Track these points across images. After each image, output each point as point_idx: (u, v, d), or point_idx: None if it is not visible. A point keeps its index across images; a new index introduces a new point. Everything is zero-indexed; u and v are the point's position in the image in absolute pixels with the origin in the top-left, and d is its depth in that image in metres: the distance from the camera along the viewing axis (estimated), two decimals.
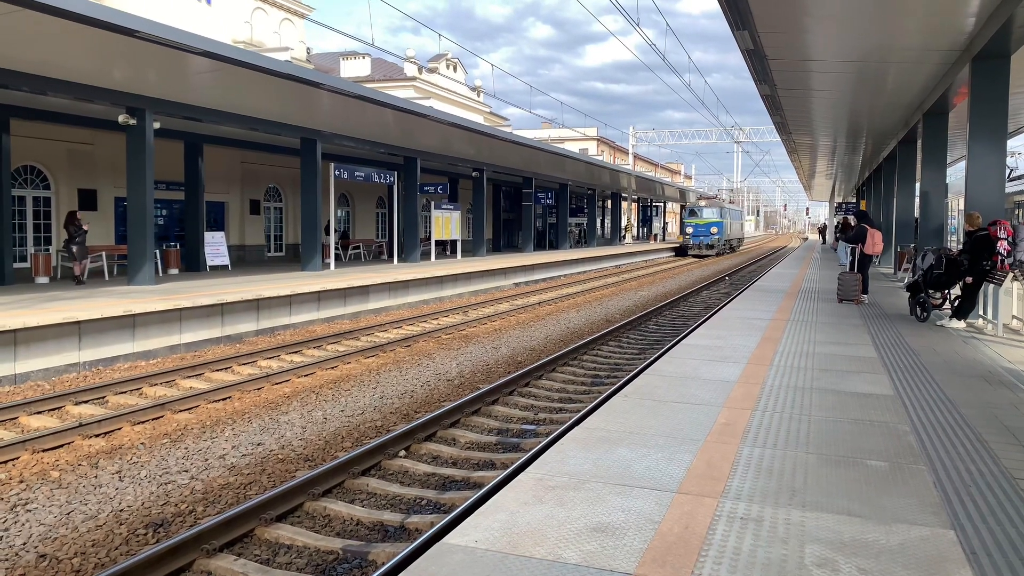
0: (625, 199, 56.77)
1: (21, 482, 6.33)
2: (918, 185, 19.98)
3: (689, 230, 47.38)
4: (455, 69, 50.27)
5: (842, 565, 3.29)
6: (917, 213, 19.58)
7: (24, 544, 5.24)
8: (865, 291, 14.59)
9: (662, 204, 68.41)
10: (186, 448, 7.28)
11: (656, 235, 63.67)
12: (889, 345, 9.41)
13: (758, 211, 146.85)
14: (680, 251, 48.81)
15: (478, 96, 52.42)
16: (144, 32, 11.42)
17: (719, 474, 4.46)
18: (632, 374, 9.97)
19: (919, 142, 18.86)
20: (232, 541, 5.29)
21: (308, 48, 37.90)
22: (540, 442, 7.27)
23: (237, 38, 30.12)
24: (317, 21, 24.95)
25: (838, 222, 30.52)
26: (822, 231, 67.01)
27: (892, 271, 23.06)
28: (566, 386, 10.32)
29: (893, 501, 4.06)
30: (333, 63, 45.13)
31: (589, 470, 4.53)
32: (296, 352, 12.37)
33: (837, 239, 29.80)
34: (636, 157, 70.92)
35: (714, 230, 46.41)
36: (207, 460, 6.98)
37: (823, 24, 11.56)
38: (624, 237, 56.83)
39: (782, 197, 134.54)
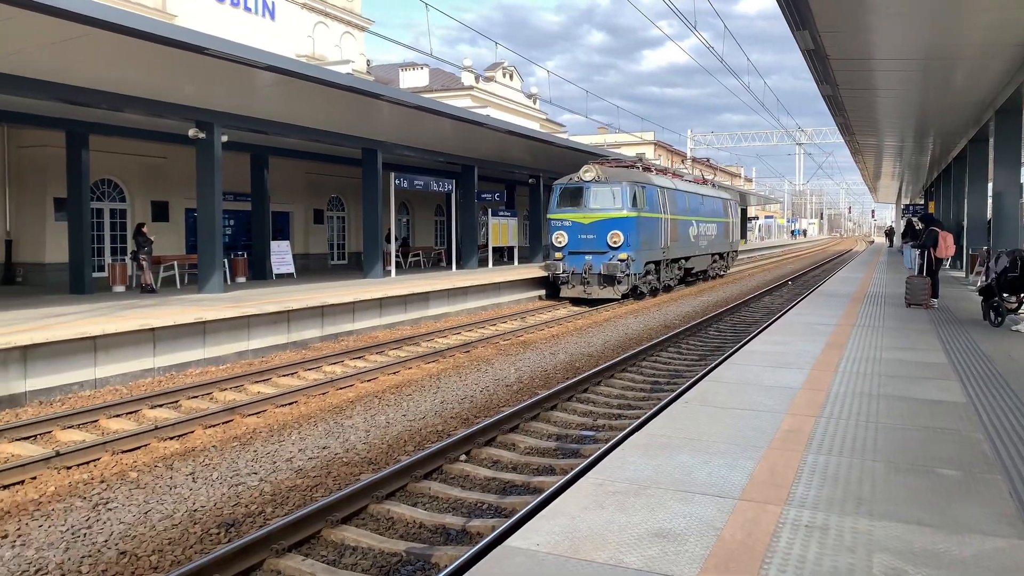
0: None
1: (102, 482, 6.63)
2: (991, 185, 19.24)
3: (560, 238, 20.81)
4: (511, 77, 50.56)
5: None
6: (990, 214, 18.86)
7: (106, 541, 5.49)
8: (935, 295, 14.12)
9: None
10: (255, 451, 7.52)
11: None
12: (961, 350, 9.10)
13: (821, 214, 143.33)
14: (551, 287, 21.87)
15: (534, 103, 52.58)
16: (213, 49, 11.84)
17: (783, 481, 4.41)
18: (692, 380, 9.87)
19: (991, 140, 18.18)
20: (300, 542, 5.45)
21: (368, 60, 38.64)
22: (599, 448, 7.27)
23: (300, 52, 30.92)
24: (377, 33, 25.52)
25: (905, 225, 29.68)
26: (889, 234, 64.99)
27: (964, 275, 22.24)
28: (625, 392, 10.28)
29: (966, 511, 3.95)
30: (392, 74, 45.92)
31: (650, 476, 4.53)
32: (359, 358, 12.62)
33: (905, 242, 28.89)
34: (694, 161, 70.05)
35: (615, 238, 20.18)
36: (275, 463, 7.20)
37: (887, 21, 11.27)
38: None
39: (846, 199, 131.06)
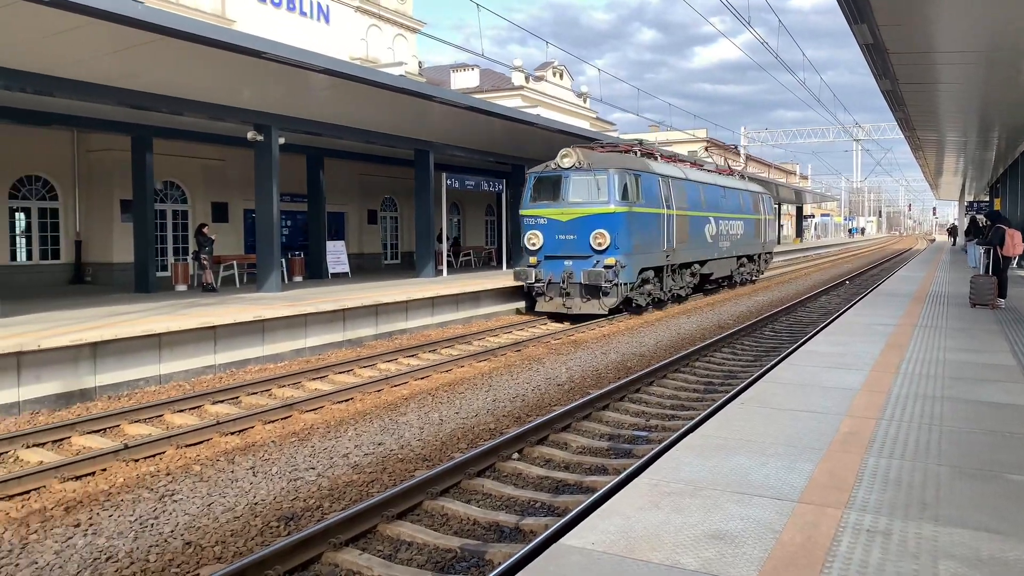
0: None
1: (168, 474, 6.86)
2: None
3: (534, 239, 17.08)
4: (561, 76, 50.49)
5: None
6: None
7: (172, 531, 5.68)
8: (1002, 295, 13.64)
9: (777, 206, 66.06)
10: (313, 447, 7.69)
11: None
12: None
13: (880, 212, 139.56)
14: (528, 297, 17.96)
15: (584, 102, 52.42)
16: (270, 53, 12.12)
17: (843, 484, 4.33)
18: (748, 381, 9.73)
19: None
20: (357, 536, 5.54)
21: (420, 62, 39.05)
22: (653, 448, 7.23)
23: (354, 55, 31.41)
24: (428, 34, 25.77)
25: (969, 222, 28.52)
26: (952, 232, 62.91)
27: None
28: (678, 393, 10.20)
29: None
30: (444, 76, 46.31)
31: (705, 477, 4.50)
32: (412, 356, 12.78)
33: (969, 240, 27.94)
34: (748, 158, 68.90)
35: (600, 239, 16.32)
36: (332, 458, 7.34)
37: (949, 13, 10.92)
38: None
39: (906, 197, 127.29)
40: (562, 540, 3.63)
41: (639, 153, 19.03)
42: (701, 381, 10.91)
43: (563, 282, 16.51)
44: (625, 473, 6.29)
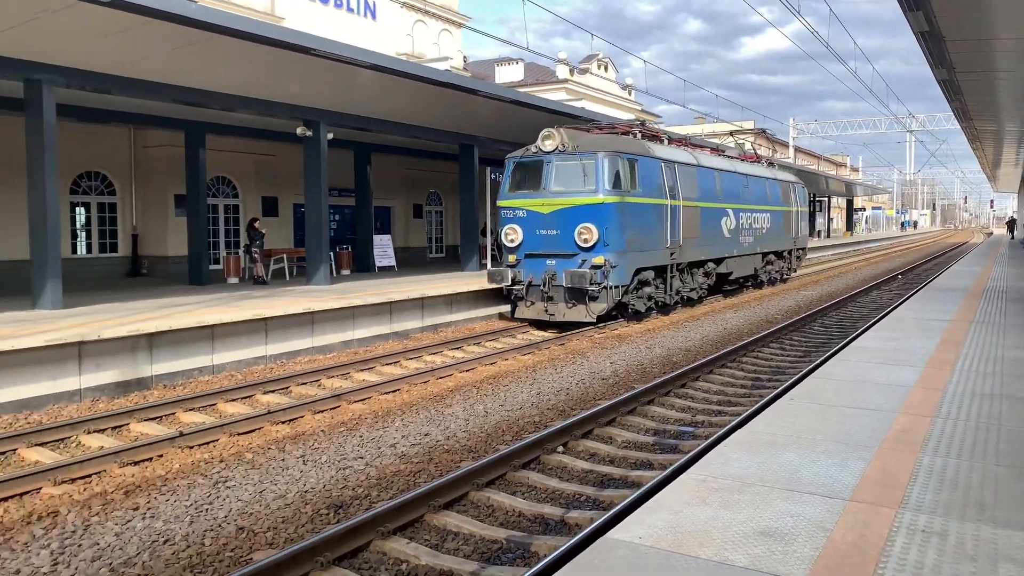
0: None
1: (221, 462, 7.04)
2: None
3: (511, 235, 14.90)
4: (606, 69, 50.15)
5: None
6: None
7: (225, 517, 5.84)
8: None
9: (826, 199, 64.77)
10: (361, 436, 7.81)
11: (820, 231, 60.41)
12: None
13: (933, 204, 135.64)
14: (511, 302, 15.55)
15: (629, 94, 51.99)
16: (319, 49, 12.30)
17: (896, 483, 4.25)
18: (797, 377, 9.59)
19: None
20: (404, 525, 5.62)
21: (465, 57, 39.19)
22: (699, 444, 7.18)
23: (400, 50, 31.65)
24: (474, 28, 25.85)
25: None
26: (1011, 225, 60.85)
27: None
28: (724, 388, 10.10)
29: None
30: (488, 70, 46.39)
31: (754, 473, 4.45)
32: (457, 348, 12.88)
33: None
34: (797, 150, 67.59)
35: (586, 234, 14.06)
36: (380, 448, 7.45)
37: None
38: None
39: (961, 189, 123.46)
40: (609, 534, 3.64)
41: (639, 134, 16.48)
42: (748, 376, 10.78)
43: (544, 284, 14.29)
44: (671, 468, 6.26)
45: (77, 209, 19.76)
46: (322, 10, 29.12)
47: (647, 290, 15.48)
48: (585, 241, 14.02)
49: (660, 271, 15.98)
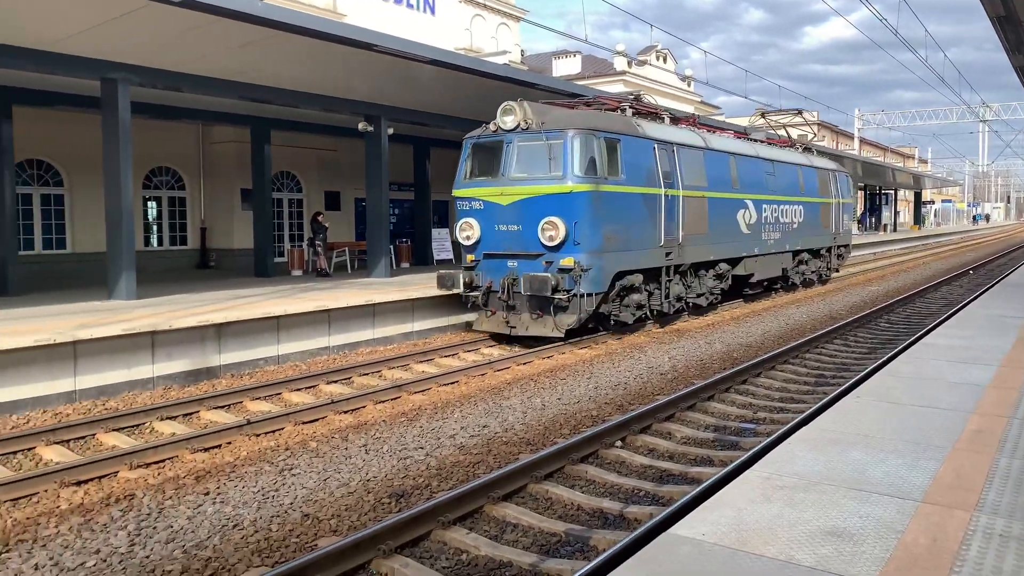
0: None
1: (287, 450, 7.23)
2: None
3: (467, 230, 12.58)
4: (665, 60, 49.50)
5: None
6: None
7: (291, 503, 6.00)
8: None
9: (893, 192, 62.74)
10: (421, 427, 7.92)
11: (886, 225, 58.57)
12: None
13: (1008, 197, 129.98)
14: (472, 308, 12.96)
15: (688, 85, 51.23)
16: (381, 45, 12.45)
17: (971, 485, 4.11)
18: (863, 374, 9.34)
19: None
20: (464, 515, 5.68)
21: (522, 51, 39.17)
22: (761, 441, 7.06)
23: (458, 45, 31.83)
24: (532, 21, 25.79)
25: None
26: None
27: None
28: (787, 385, 9.91)
29: None
30: (545, 63, 46.27)
31: (820, 472, 4.37)
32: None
33: None
34: (863, 142, 65.59)
35: (551, 231, 11.63)
36: (439, 439, 7.55)
37: None
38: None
39: None
40: (671, 530, 3.62)
41: (628, 110, 13.91)
42: (812, 373, 10.55)
43: (504, 291, 11.94)
44: (733, 465, 6.18)
45: (149, 203, 20.50)
46: (382, 6, 29.48)
47: (635, 297, 12.88)
48: (550, 239, 11.56)
49: (653, 274, 13.51)
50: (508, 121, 12.16)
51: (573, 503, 6.01)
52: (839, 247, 22.84)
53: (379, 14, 28.55)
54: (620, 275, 12.47)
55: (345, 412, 8.51)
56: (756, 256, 17.01)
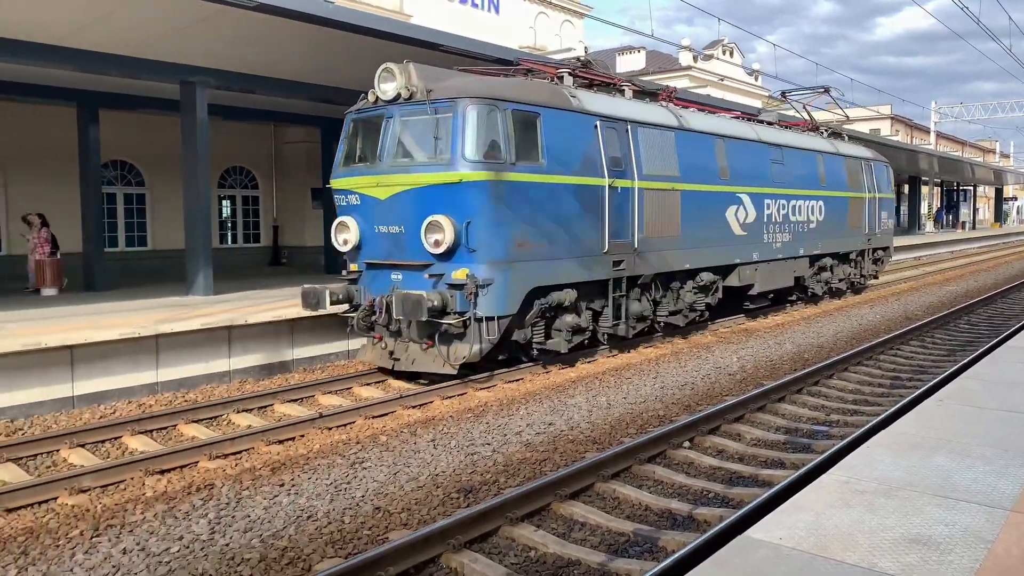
0: (926, 183, 50.84)
1: (357, 443, 7.39)
2: None
3: (343, 232, 9.82)
4: (731, 54, 48.61)
5: None
6: None
7: (363, 496, 6.12)
8: None
9: (972, 188, 60.19)
10: (487, 423, 7.99)
11: (964, 223, 56.26)
12: None
13: None
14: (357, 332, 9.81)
15: (756, 80, 50.16)
16: (446, 45, 12.56)
17: None
18: (942, 376, 9.01)
19: None
20: (531, 513, 5.71)
21: (586, 47, 39.02)
22: (835, 444, 6.88)
23: (522, 43, 31.90)
24: (596, 17, 25.66)
25: None
26: None
27: None
28: (861, 387, 9.63)
29: None
30: (609, 59, 45.95)
31: (901, 477, 4.24)
32: None
33: None
34: (939, 135, 63.10)
35: (436, 233, 8.84)
36: (505, 435, 7.60)
37: None
38: (924, 225, 50.98)
39: None
40: (747, 532, 3.57)
41: (573, 79, 11.15)
42: (887, 375, 10.23)
43: (382, 312, 9.21)
44: (807, 467, 6.04)
45: (224, 202, 21.18)
46: (447, 6, 29.77)
47: (568, 319, 10.15)
48: (435, 244, 8.86)
49: (599, 289, 10.77)
50: (387, 89, 9.33)
51: (641, 503, 5.97)
52: (875, 250, 19.48)
53: (444, 14, 28.83)
54: (540, 291, 9.70)
55: (413, 407, 8.64)
56: (755, 263, 14.04)
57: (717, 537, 4.80)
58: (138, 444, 7.43)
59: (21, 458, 6.99)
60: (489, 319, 9.01)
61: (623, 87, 12.20)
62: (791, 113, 19.25)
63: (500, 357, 9.98)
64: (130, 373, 9.03)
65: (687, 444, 7.31)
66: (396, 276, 9.48)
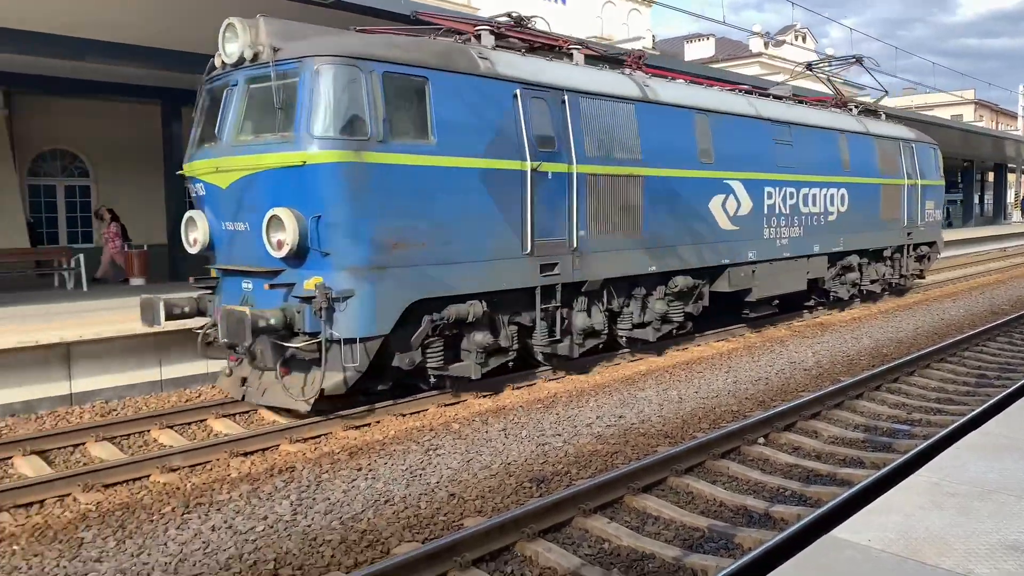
0: (1012, 171, 48.49)
1: (431, 430, 7.51)
2: None
3: (192, 231, 7.90)
4: (804, 40, 47.22)
5: None
6: None
7: (437, 483, 6.24)
8: None
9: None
10: (557, 414, 8.02)
11: None
12: None
13: None
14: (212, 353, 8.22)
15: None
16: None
17: None
18: None
19: None
20: (604, 505, 5.72)
21: (654, 36, 38.48)
22: (918, 443, 6.68)
23: (589, 33, 31.67)
24: (664, 4, 25.28)
25: None
26: None
27: None
28: (944, 385, 9.30)
29: None
30: (678, 47, 45.27)
31: (995, 480, 4.10)
32: None
33: None
34: None
35: (278, 232, 7.01)
36: (576, 427, 7.62)
37: None
38: (1010, 214, 48.64)
39: None
40: (833, 532, 3.50)
41: (494, 36, 9.25)
42: (972, 373, 9.85)
43: (229, 329, 7.09)
44: (891, 467, 5.87)
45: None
46: None
47: (479, 338, 8.20)
48: (278, 245, 7.08)
49: (528, 299, 8.75)
50: (230, 49, 7.53)
51: (715, 499, 5.92)
52: (920, 245, 16.79)
53: (511, 6, 28.85)
54: (431, 304, 7.77)
55: (484, 396, 8.72)
56: (753, 263, 11.78)
57: (796, 536, 4.73)
58: (222, 427, 7.72)
59: (115, 437, 7.35)
60: (350, 341, 7.14)
61: (571, 51, 10.12)
62: (819, 88, 16.49)
63: (380, 387, 8.06)
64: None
65: (762, 440, 7.19)
66: (247, 285, 7.68)
